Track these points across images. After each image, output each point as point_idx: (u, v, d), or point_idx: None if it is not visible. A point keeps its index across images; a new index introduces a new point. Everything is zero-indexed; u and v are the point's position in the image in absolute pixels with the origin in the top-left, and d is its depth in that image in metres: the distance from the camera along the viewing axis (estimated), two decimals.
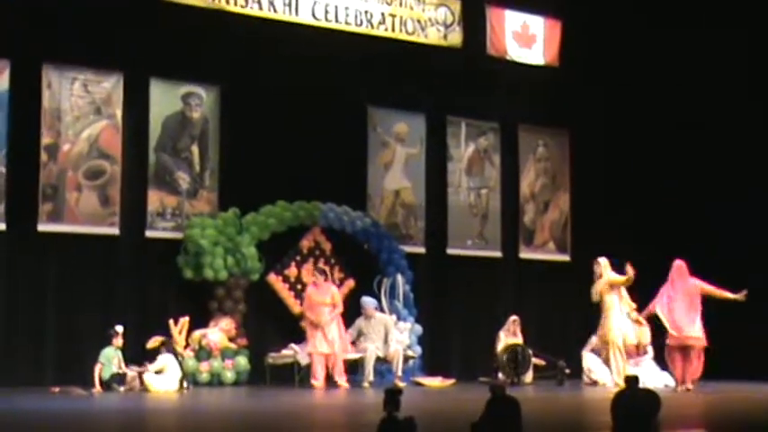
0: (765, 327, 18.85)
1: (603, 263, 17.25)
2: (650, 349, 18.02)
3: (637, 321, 17.20)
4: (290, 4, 18.42)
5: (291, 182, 18.10)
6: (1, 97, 16.37)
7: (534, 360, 18.50)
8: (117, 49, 17.04)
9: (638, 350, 17.87)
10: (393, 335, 17.53)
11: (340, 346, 16.78)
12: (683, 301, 16.87)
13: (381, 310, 18.10)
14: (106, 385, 15.43)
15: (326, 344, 16.61)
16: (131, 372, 15.72)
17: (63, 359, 16.27)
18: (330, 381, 16.69)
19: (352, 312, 17.76)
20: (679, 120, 20.67)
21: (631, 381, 7.73)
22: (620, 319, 17.05)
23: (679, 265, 17.07)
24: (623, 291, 17.15)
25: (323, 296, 16.80)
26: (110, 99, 17.23)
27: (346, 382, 16.62)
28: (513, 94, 20.49)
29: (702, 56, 20.23)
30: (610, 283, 17.03)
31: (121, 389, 15.43)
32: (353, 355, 17.30)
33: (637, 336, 17.25)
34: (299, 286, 18.10)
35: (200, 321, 16.96)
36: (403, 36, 19.62)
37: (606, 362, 17.36)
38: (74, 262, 16.74)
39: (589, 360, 18.21)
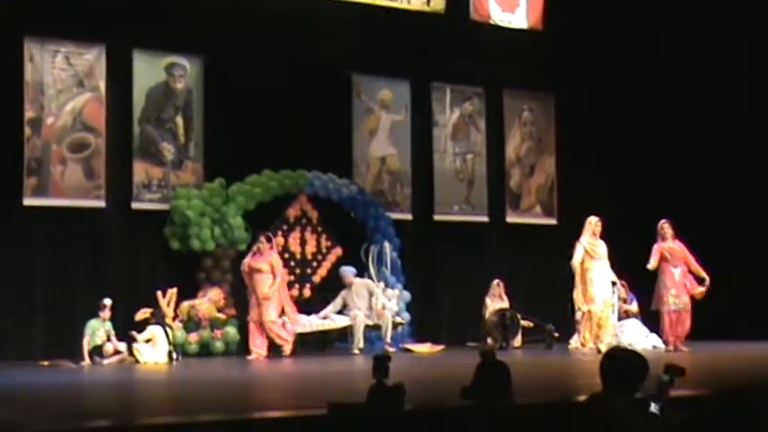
0: (750, 287, 19.02)
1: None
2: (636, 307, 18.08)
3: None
4: None
5: (277, 151, 18.06)
6: None
7: (522, 322, 18.57)
8: (99, 21, 16.94)
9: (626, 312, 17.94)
10: (377, 297, 17.58)
11: (275, 315, 16.60)
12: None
13: (370, 277, 18.15)
14: (96, 357, 15.49)
15: (258, 312, 16.52)
16: (113, 345, 15.70)
17: (51, 333, 16.24)
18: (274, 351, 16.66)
19: (340, 281, 17.85)
20: (664, 80, 20.64)
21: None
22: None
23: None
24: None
25: (260, 263, 16.55)
26: (92, 71, 17.16)
27: (288, 353, 16.48)
28: (497, 58, 20.42)
29: (690, 15, 20.19)
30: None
31: (104, 361, 15.43)
32: (343, 323, 17.37)
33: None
34: (286, 255, 18.09)
35: (188, 292, 16.97)
36: (385, 2, 19.55)
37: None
38: (60, 235, 16.70)
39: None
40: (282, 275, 16.86)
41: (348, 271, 17.81)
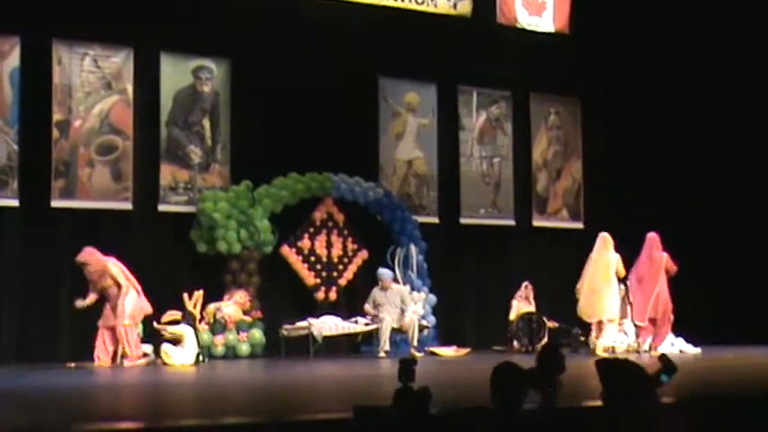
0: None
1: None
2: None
3: None
4: None
5: (303, 153, 18.08)
6: (12, 74, 16.39)
7: (548, 324, 18.52)
8: (126, 24, 17.01)
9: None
10: (409, 306, 17.52)
11: (129, 320, 15.42)
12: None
13: (395, 280, 18.12)
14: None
15: (112, 316, 15.43)
16: (141, 348, 15.73)
17: (78, 334, 16.28)
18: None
19: (366, 284, 17.85)
20: (691, 84, 20.58)
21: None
22: None
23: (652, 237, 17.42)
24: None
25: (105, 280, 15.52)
26: (120, 74, 17.23)
27: (132, 361, 15.36)
28: (523, 62, 20.39)
29: (716, 19, 20.13)
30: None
31: (126, 363, 15.40)
32: (369, 326, 17.35)
33: None
34: (312, 258, 18.14)
35: (214, 295, 16.99)
36: (412, 6, 19.55)
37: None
38: (87, 237, 16.71)
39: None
40: (126, 282, 15.56)
41: (387, 274, 17.72)
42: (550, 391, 6.84)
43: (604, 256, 17.05)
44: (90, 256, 15.50)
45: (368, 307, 17.51)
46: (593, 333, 17.21)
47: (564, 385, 7.06)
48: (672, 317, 17.52)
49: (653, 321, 17.46)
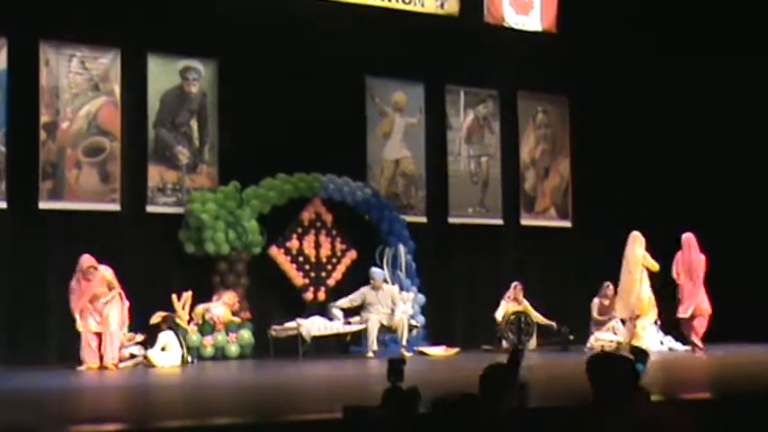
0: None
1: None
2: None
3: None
4: None
5: (291, 154, 18.07)
6: None
7: (544, 321, 18.56)
8: (113, 25, 16.99)
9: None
10: (399, 307, 17.49)
11: (117, 325, 15.60)
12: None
13: (384, 280, 18.10)
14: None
15: (97, 321, 15.55)
16: (128, 350, 15.71)
17: (66, 336, 16.24)
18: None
19: (355, 284, 17.84)
20: (679, 82, 20.59)
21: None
22: None
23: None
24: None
25: (99, 288, 15.63)
26: (107, 75, 17.20)
27: (114, 365, 15.39)
28: (511, 61, 20.36)
29: (704, 16, 20.15)
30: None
31: (120, 365, 15.37)
32: (357, 327, 17.34)
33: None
34: (300, 258, 18.12)
35: (203, 296, 16.98)
36: (399, 5, 19.55)
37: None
38: (75, 239, 16.72)
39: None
40: (118, 288, 15.75)
41: (379, 274, 17.69)
42: (521, 392, 6.86)
43: (633, 253, 17.28)
44: (94, 261, 15.62)
45: (345, 301, 17.45)
46: (626, 330, 17.37)
47: (531, 387, 7.08)
48: (709, 312, 17.70)
49: (692, 319, 17.57)
